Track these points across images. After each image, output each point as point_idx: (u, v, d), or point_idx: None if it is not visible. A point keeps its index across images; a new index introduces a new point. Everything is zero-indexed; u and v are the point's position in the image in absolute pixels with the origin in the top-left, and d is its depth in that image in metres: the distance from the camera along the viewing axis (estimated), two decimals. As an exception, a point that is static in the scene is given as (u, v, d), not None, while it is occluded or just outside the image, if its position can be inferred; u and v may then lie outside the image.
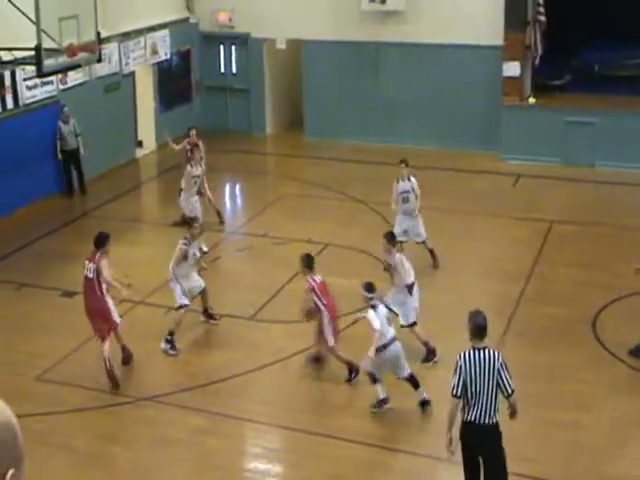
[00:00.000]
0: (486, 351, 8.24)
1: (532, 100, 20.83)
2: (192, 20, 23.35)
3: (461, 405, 8.29)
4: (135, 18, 20.81)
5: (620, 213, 17.43)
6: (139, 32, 21.08)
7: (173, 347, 12.47)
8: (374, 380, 10.79)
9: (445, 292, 14.13)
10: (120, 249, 15.89)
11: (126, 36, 20.65)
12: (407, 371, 10.73)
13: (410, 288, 12.06)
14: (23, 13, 15.40)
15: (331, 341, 11.58)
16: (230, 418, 10.99)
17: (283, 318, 13.44)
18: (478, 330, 8.23)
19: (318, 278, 11.82)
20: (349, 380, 11.54)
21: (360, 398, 11.34)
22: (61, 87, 18.77)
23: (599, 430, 10.63)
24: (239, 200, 20.44)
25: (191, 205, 15.83)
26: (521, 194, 18.80)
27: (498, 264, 15.46)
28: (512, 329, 13.00)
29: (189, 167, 16.01)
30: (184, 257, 12.58)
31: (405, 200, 14.76)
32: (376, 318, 10.48)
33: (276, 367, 12.11)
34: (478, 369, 8.14)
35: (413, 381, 10.78)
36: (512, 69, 20.59)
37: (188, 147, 17.29)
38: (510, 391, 8.28)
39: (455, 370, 8.22)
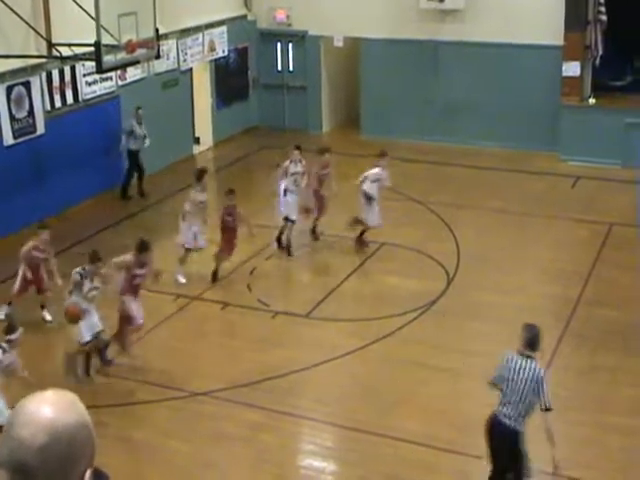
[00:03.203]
0: (530, 360, 8.58)
1: (592, 101, 20.53)
2: (250, 17, 23.40)
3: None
4: (193, 15, 20.93)
5: (682, 216, 17.11)
6: (197, 29, 21.20)
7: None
8: None
9: (503, 293, 14.00)
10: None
11: (184, 33, 20.77)
12: None
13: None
14: (83, 9, 15.58)
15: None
16: (285, 415, 10.98)
17: (338, 316, 13.43)
18: (531, 341, 8.65)
19: None
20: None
21: (418, 399, 11.27)
22: (120, 83, 18.95)
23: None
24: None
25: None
26: (580, 196, 18.54)
27: (556, 265, 15.26)
28: (570, 331, 12.84)
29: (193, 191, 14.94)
30: (77, 286, 11.74)
31: (296, 181, 15.49)
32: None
33: (331, 365, 12.08)
34: (518, 374, 8.51)
35: None
36: (572, 69, 20.33)
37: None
38: (546, 405, 8.48)
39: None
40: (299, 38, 23.12)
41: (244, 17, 23.26)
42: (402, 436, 10.41)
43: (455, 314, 13.48)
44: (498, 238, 16.24)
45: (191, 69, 21.36)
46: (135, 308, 11.99)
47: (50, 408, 2.10)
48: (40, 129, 17.00)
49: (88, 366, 11.87)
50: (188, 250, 14.57)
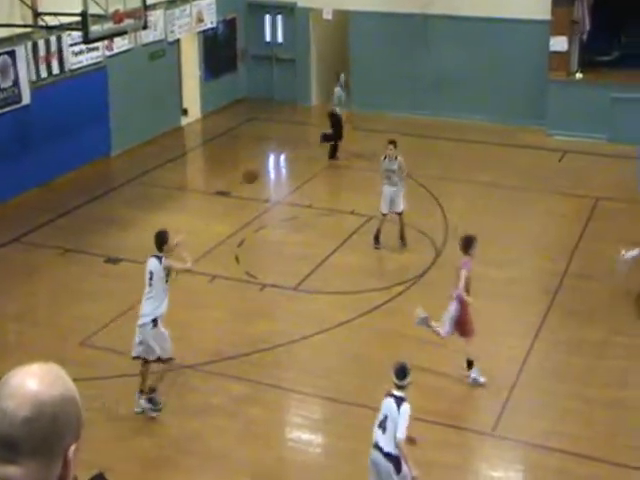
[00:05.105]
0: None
1: (579, 75, 20.56)
2: (238, -12, 23.22)
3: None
4: (181, -15, 20.75)
5: (666, 191, 17.22)
6: (185, 0, 21.01)
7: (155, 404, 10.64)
8: None
9: (490, 266, 14.02)
10: (164, 217, 16.02)
11: (172, 3, 20.58)
12: None
13: None
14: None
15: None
16: (273, 388, 11.02)
17: (327, 289, 13.45)
18: None
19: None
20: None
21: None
22: (107, 53, 18.78)
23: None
24: (284, 170, 20.41)
25: None
26: (567, 170, 18.60)
27: (543, 239, 15.34)
28: (557, 304, 12.92)
29: None
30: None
31: (388, 177, 14.66)
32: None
33: (319, 338, 12.12)
34: None
35: None
36: (559, 44, 20.32)
37: None
38: None
39: None
40: (288, 10, 22.97)
41: (232, -12, 23.07)
42: (390, 408, 10.46)
43: (442, 287, 13.45)
44: (486, 212, 16.28)
45: (179, 40, 21.20)
46: None
47: (35, 381, 2.08)
48: (25, 99, 16.85)
49: None
50: None
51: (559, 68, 20.40)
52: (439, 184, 17.39)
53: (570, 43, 20.37)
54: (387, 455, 8.28)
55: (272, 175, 19.95)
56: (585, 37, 20.42)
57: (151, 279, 10.33)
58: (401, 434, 8.17)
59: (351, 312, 12.67)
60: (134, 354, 10.48)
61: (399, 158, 14.65)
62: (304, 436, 10.40)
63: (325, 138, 19.15)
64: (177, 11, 20.74)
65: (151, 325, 10.32)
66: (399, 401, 8.30)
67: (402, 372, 8.44)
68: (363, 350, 11.89)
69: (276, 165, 20.46)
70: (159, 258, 10.33)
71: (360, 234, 15.36)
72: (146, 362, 10.47)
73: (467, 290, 10.93)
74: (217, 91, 22.61)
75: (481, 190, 17.32)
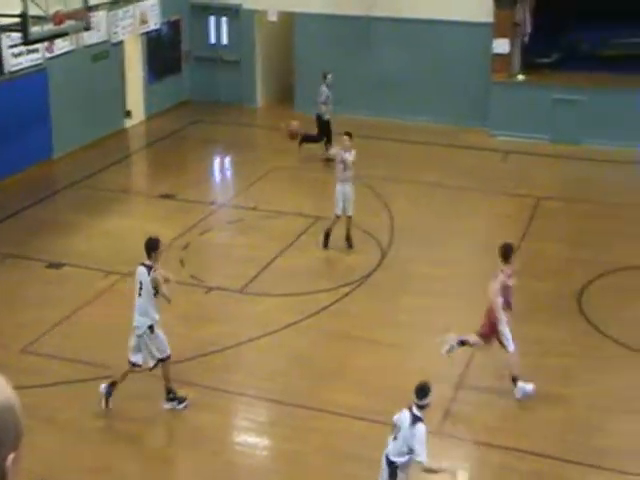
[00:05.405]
0: None
1: (521, 77, 20.86)
2: (181, -10, 23.08)
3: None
4: (124, -14, 20.56)
5: (605, 190, 17.55)
6: (128, 1, 20.81)
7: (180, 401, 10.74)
8: None
9: (435, 266, 14.16)
10: (109, 220, 15.90)
11: (115, 4, 20.39)
12: None
13: None
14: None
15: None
16: (220, 391, 10.99)
17: (273, 291, 13.44)
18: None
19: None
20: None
21: (351, 372, 11.37)
22: (47, 55, 18.54)
23: (586, 404, 10.75)
24: (229, 172, 20.35)
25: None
26: (509, 170, 18.85)
27: (486, 239, 15.45)
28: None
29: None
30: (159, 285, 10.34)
31: (343, 170, 14.58)
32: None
33: (266, 340, 12.11)
34: None
35: None
36: (501, 46, 20.60)
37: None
38: None
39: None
40: (233, 11, 22.91)
41: (176, -11, 22.93)
42: (336, 409, 10.51)
43: (389, 287, 13.61)
44: (431, 212, 16.44)
45: (122, 42, 21.00)
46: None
47: None
48: (-35, 101, 16.59)
49: None
50: None
51: (501, 70, 20.68)
52: (384, 184, 17.49)
53: (512, 45, 20.66)
54: (389, 461, 8.39)
55: (218, 178, 19.88)
56: (527, 39, 20.73)
57: (141, 289, 10.25)
58: (422, 458, 8.16)
59: (298, 314, 12.68)
60: (135, 361, 10.39)
61: (353, 151, 14.60)
62: (251, 439, 10.38)
63: (305, 139, 19.02)
64: (120, 12, 20.55)
65: (148, 332, 10.30)
66: (415, 419, 8.26)
67: (422, 391, 8.33)
68: (310, 351, 11.91)
69: (222, 167, 20.39)
70: (148, 268, 10.20)
71: (307, 235, 15.39)
72: (133, 367, 10.44)
73: (508, 298, 10.90)
74: (161, 93, 22.47)
75: (426, 190, 17.47)
